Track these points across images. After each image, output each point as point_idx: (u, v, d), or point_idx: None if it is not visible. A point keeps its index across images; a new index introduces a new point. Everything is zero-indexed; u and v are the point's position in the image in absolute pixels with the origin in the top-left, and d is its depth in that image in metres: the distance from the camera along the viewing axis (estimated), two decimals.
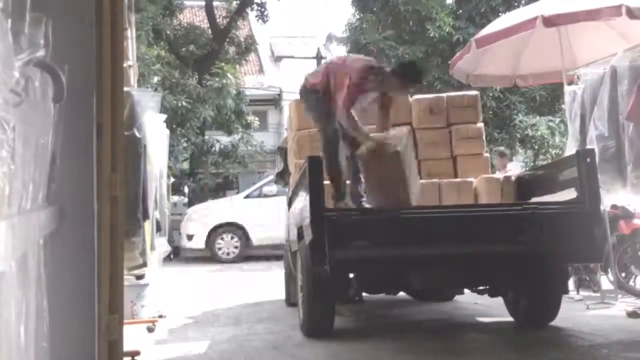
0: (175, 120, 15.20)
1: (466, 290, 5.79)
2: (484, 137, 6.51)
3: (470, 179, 5.91)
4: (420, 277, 4.92)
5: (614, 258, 6.69)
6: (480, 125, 6.53)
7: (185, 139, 16.34)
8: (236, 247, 13.61)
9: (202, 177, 17.06)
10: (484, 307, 6.20)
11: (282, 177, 7.53)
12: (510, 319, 5.45)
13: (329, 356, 4.51)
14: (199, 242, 13.78)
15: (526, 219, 4.55)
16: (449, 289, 6.12)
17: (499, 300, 5.53)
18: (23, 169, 1.53)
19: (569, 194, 4.82)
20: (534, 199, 5.34)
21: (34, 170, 1.66)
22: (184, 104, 15.35)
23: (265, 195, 13.41)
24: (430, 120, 6.41)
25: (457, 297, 6.65)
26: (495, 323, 5.55)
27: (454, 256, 4.45)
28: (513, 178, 5.93)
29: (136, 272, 5.53)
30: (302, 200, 4.88)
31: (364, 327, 5.84)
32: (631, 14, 5.73)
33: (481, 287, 5.39)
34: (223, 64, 16.87)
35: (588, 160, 4.66)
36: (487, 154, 6.54)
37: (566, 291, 5.14)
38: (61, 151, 1.94)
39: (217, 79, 16.18)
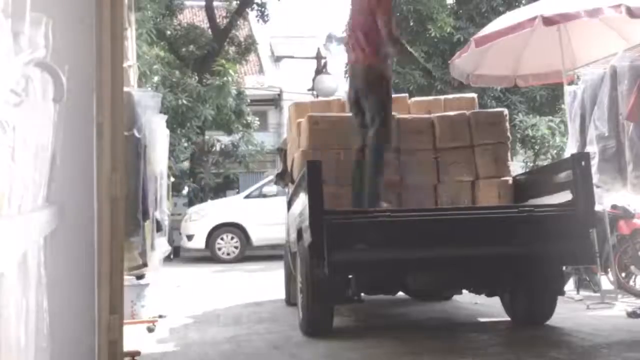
0: (176, 120, 15.21)
1: (465, 290, 5.80)
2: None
3: (467, 180, 5.91)
4: (418, 278, 4.96)
5: (614, 258, 6.69)
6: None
7: (186, 138, 16.34)
8: (236, 247, 13.61)
9: (203, 177, 17.05)
10: (484, 307, 6.20)
11: (281, 178, 7.54)
12: (510, 319, 5.46)
13: (329, 356, 4.51)
14: (199, 242, 13.78)
15: (522, 221, 4.58)
16: (447, 290, 6.14)
17: (499, 300, 5.55)
18: (23, 169, 1.53)
19: (565, 196, 4.86)
20: (531, 201, 5.36)
21: (34, 170, 1.66)
22: (184, 102, 15.35)
23: (265, 196, 13.41)
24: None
25: (457, 297, 6.65)
26: (495, 323, 5.55)
27: (451, 258, 4.48)
28: None
29: (136, 272, 5.52)
30: (302, 202, 4.89)
31: (363, 327, 5.85)
32: (631, 13, 5.72)
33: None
34: (224, 61, 16.87)
35: (583, 163, 4.71)
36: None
37: (562, 292, 5.17)
38: (61, 151, 1.94)
39: (217, 78, 16.18)
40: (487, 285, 5.24)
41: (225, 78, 16.15)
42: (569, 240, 4.58)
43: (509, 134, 6.08)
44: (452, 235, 4.52)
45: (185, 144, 16.66)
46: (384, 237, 4.50)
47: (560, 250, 4.59)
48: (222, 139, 18.00)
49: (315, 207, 4.39)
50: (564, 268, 6.19)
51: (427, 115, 6.13)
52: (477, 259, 4.53)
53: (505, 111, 6.28)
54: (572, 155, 5.05)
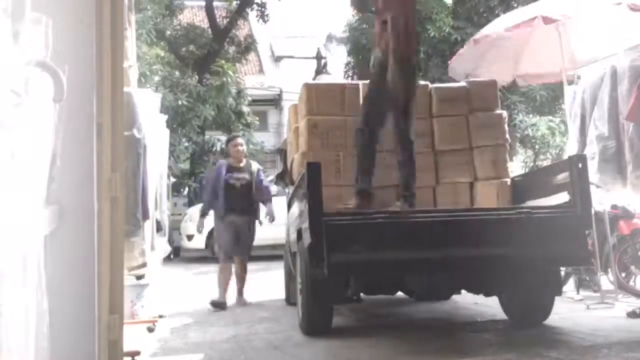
0: (176, 120, 15.21)
1: (464, 290, 5.82)
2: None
3: (465, 181, 5.91)
4: (416, 279, 4.97)
5: (614, 258, 6.69)
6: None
7: (187, 138, 16.35)
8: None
9: (204, 177, 17.04)
10: (484, 307, 6.20)
11: (282, 178, 7.55)
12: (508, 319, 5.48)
13: (329, 356, 4.51)
14: (199, 242, 13.77)
15: (520, 223, 4.59)
16: (445, 291, 6.16)
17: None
18: (24, 168, 1.53)
19: (563, 198, 4.89)
20: (529, 202, 5.38)
21: (34, 170, 1.66)
22: (184, 102, 15.35)
23: None
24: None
25: (457, 297, 6.65)
26: (495, 323, 5.55)
27: (450, 259, 4.49)
28: None
29: (136, 272, 5.52)
30: (302, 204, 4.90)
31: (363, 327, 5.85)
32: (635, 6, 5.68)
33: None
34: (223, 61, 16.86)
35: (580, 165, 4.73)
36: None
37: (559, 292, 5.19)
38: (61, 151, 1.94)
39: (217, 77, 16.18)
40: (484, 286, 5.26)
41: (224, 78, 16.14)
42: (566, 242, 4.61)
43: (507, 135, 6.08)
44: (450, 237, 4.54)
45: (186, 144, 16.67)
46: (383, 238, 4.51)
47: (558, 251, 4.62)
48: (222, 139, 18.00)
49: (314, 209, 4.41)
50: (562, 268, 6.20)
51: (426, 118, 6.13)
52: (475, 260, 4.54)
53: (504, 113, 6.29)
54: (570, 157, 5.08)
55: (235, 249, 7.34)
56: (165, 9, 17.21)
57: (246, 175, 7.49)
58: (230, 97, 16.43)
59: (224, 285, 7.29)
